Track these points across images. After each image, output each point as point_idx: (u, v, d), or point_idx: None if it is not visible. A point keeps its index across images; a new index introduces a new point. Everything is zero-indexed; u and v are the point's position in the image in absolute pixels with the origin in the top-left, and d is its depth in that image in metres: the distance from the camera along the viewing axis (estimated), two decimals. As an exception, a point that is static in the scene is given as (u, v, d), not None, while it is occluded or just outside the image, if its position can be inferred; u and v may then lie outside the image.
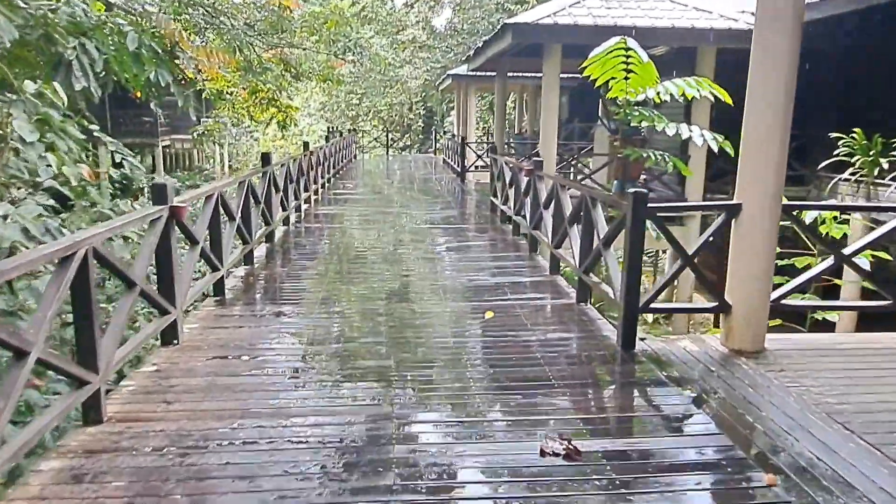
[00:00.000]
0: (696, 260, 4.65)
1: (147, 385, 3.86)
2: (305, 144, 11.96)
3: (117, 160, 6.98)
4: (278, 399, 3.68)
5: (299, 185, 10.54)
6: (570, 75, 23.38)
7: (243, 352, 4.49)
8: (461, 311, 5.64)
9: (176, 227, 4.65)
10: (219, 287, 5.88)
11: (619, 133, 12.63)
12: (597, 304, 6.06)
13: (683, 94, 5.79)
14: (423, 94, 37.93)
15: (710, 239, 4.66)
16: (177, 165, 30.84)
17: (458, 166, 18.30)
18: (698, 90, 5.67)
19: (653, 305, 4.72)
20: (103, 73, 5.56)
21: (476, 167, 17.81)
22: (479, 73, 21.40)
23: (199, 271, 6.56)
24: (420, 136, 37.45)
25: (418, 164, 24.95)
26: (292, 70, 15.38)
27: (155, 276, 4.65)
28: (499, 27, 10.89)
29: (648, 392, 3.96)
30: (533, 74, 21.55)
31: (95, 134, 6.72)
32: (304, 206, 11.31)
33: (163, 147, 25.89)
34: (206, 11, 12.26)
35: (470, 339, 4.97)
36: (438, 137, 31.81)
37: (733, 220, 4.46)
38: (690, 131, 6.13)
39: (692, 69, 10.30)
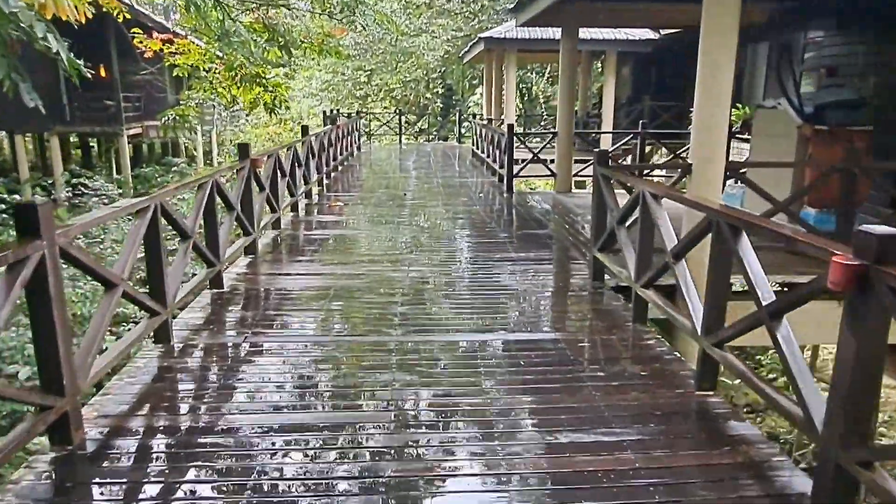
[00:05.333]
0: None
1: None
2: (241, 147, 6.56)
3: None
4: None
5: (220, 235, 5.35)
6: (640, 35, 17.79)
7: None
8: None
9: None
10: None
11: (820, 120, 6.94)
12: None
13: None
14: (443, 69, 32.44)
15: None
16: (150, 158, 25.75)
17: (498, 166, 12.91)
18: None
19: None
20: None
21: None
22: (521, 38, 16.07)
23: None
24: (438, 119, 31.92)
25: (439, 157, 19.39)
26: (279, 39, 10.63)
27: None
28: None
29: None
30: (592, 36, 16.18)
31: None
32: (242, 268, 6.15)
33: (132, 136, 20.88)
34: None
35: None
36: (463, 120, 26.22)
37: None
38: None
39: None
